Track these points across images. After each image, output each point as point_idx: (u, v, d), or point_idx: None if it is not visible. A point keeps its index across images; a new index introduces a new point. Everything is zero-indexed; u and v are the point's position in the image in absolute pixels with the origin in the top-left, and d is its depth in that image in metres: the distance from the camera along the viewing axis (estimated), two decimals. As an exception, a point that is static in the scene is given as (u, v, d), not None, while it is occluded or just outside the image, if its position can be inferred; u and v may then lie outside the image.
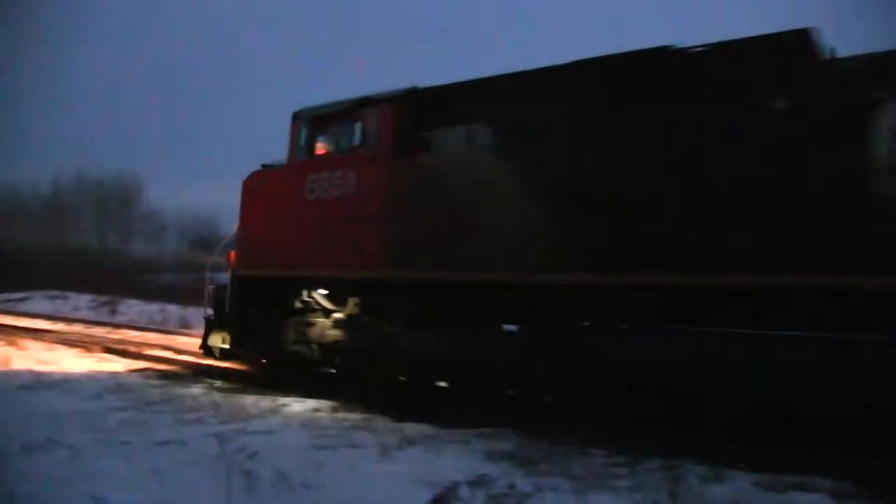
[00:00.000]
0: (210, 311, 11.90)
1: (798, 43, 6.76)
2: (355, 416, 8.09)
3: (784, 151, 6.38)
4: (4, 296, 44.16)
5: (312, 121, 10.36)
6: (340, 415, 8.26)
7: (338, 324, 10.01)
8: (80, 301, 33.53)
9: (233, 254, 11.44)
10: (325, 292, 10.27)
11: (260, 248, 10.81)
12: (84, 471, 5.58)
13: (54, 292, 41.22)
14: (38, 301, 40.45)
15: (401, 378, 9.65)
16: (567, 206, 7.57)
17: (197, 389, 9.84)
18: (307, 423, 7.73)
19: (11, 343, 14.73)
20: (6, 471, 5.20)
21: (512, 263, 7.94)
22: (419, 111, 9.25)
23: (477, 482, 3.43)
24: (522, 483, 5.04)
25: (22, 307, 33.65)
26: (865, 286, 5.87)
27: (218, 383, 10.31)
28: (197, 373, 11.30)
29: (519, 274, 7.96)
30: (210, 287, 12.08)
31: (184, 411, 8.20)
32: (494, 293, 8.32)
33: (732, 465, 5.80)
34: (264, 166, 11.35)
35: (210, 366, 11.61)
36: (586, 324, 7.81)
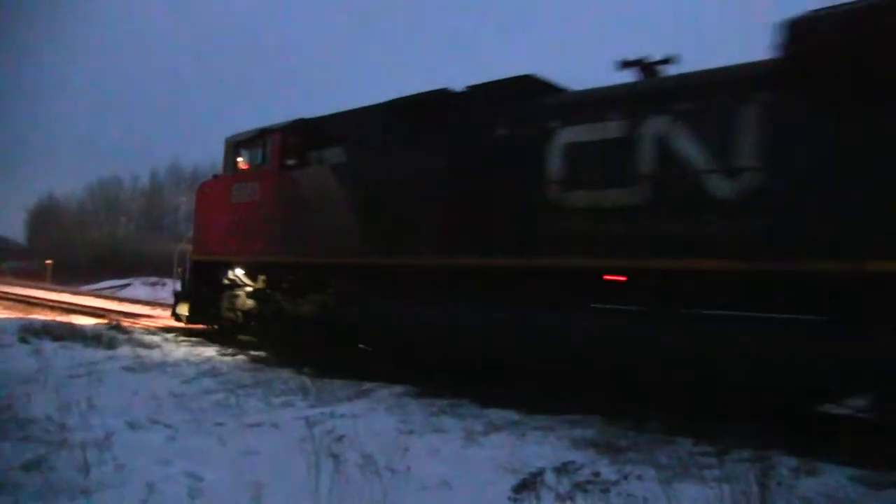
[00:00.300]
0: (178, 287, 15.61)
1: (521, 85, 9.10)
2: (440, 402, 8.13)
3: (502, 169, 8.66)
4: (108, 283, 46.47)
5: (235, 145, 13.68)
6: (426, 400, 8.31)
7: (251, 295, 13.33)
8: (178, 287, 34.99)
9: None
10: (243, 272, 13.49)
11: (205, 239, 14.47)
12: (181, 449, 5.80)
13: (153, 279, 43.14)
14: (138, 287, 42.38)
15: (288, 336, 12.34)
16: (372, 209, 10.33)
17: (286, 374, 10.07)
18: (393, 407, 7.81)
19: (117, 327, 15.45)
20: (115, 446, 5.47)
21: (340, 251, 10.84)
22: (303, 137, 12.21)
23: (562, 469, 3.38)
24: (607, 470, 4.96)
25: (124, 293, 35.30)
26: (538, 265, 8.31)
27: (306, 369, 10.54)
28: (283, 357, 11.59)
29: (344, 258, 10.85)
30: (178, 269, 15.99)
31: (274, 395, 8.40)
32: (331, 271, 11.36)
33: (827, 458, 5.56)
34: (214, 177, 14.95)
35: (295, 355, 11.90)
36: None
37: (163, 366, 10.37)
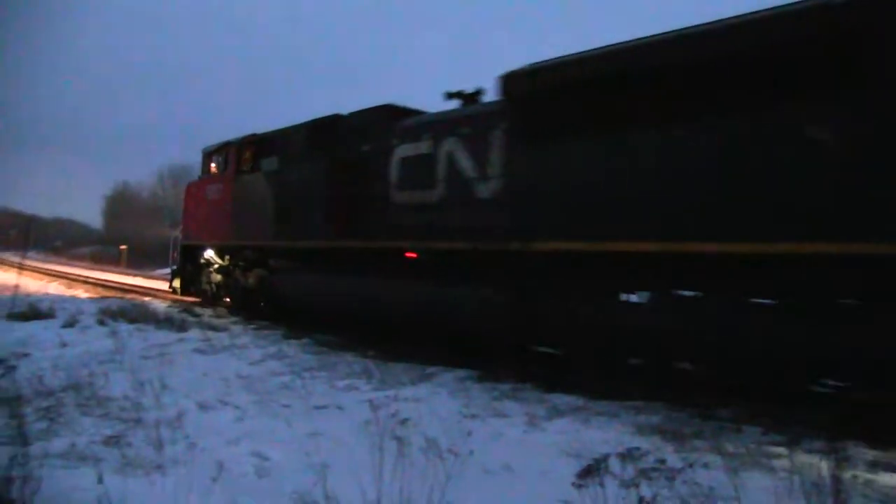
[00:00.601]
0: (174, 266, 19.37)
1: (384, 111, 11.91)
2: (503, 386, 8.13)
3: (364, 176, 11.49)
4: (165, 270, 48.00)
5: (207, 154, 17.42)
6: (488, 384, 8.33)
7: (218, 271, 17.10)
8: (174, 266, 37.94)
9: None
10: (213, 253, 17.20)
11: (189, 228, 18.37)
12: (248, 430, 5.95)
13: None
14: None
15: (243, 301, 16.07)
16: (288, 205, 13.59)
17: (350, 357, 10.21)
18: (455, 391, 7.85)
19: (187, 310, 15.90)
20: (186, 426, 5.64)
21: (268, 237, 14.31)
22: (255, 149, 15.25)
23: (627, 455, 3.34)
24: (672, 458, 4.89)
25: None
26: (371, 247, 11.41)
27: (371, 353, 10.66)
28: (350, 341, 11.76)
29: (268, 242, 14.50)
30: (172, 253, 19.79)
31: (338, 378, 8.53)
32: (267, 252, 14.95)
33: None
34: (199, 178, 18.50)
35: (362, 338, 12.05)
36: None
37: (231, 348, 10.63)
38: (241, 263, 16.11)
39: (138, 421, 5.81)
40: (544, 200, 8.65)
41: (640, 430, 6.26)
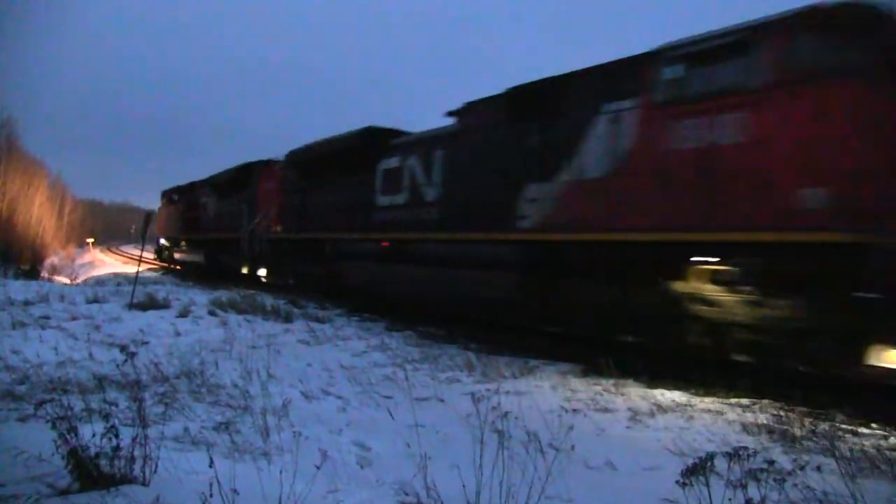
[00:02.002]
0: (157, 247, 39.63)
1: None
2: (606, 381, 7.99)
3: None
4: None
5: (164, 192, 37.44)
6: (590, 378, 8.20)
7: (179, 251, 33.60)
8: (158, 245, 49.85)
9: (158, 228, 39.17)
10: (170, 241, 35.40)
11: (162, 226, 37.24)
12: (351, 420, 6.06)
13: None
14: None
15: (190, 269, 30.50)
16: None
17: (453, 350, 10.26)
18: (557, 385, 7.76)
19: (292, 302, 16.34)
20: (291, 414, 5.79)
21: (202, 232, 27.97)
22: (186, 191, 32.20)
23: (733, 455, 3.20)
24: (782, 459, 4.67)
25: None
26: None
27: (473, 345, 10.68)
28: (452, 333, 11.82)
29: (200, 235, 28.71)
30: (160, 242, 38.98)
31: (440, 370, 8.58)
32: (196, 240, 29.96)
33: None
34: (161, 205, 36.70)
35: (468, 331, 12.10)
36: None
37: (334, 340, 10.86)
38: (185, 246, 32.19)
39: (246, 409, 6.00)
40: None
41: (747, 428, 6.03)
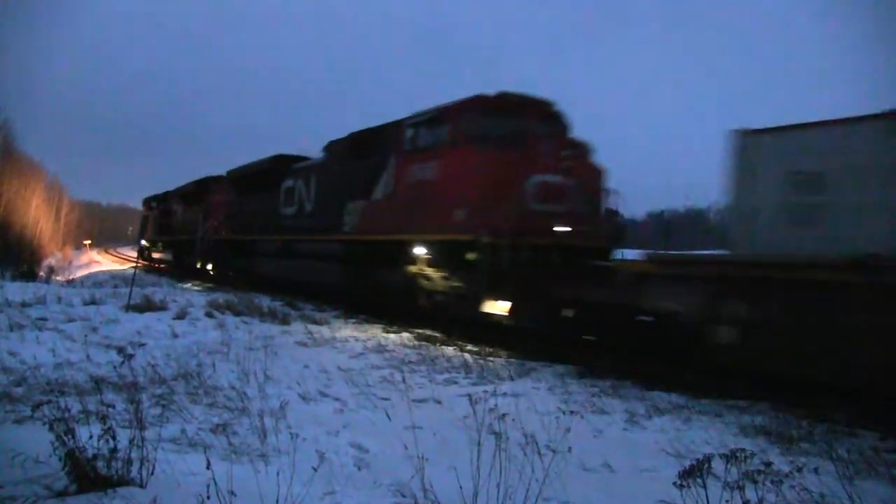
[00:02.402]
0: (139, 247, 45.48)
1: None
2: (603, 383, 8.00)
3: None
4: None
5: (146, 200, 43.41)
6: (588, 380, 8.21)
7: (159, 250, 38.81)
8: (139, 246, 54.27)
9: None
10: (150, 243, 40.98)
11: (144, 231, 43.03)
12: (349, 422, 6.06)
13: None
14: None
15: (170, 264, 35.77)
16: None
17: (450, 351, 10.27)
18: (555, 387, 7.77)
19: (290, 304, 16.35)
20: (289, 416, 5.79)
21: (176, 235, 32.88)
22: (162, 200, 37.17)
23: (731, 457, 3.21)
24: (779, 461, 4.68)
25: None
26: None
27: (469, 347, 10.69)
28: (449, 336, 11.83)
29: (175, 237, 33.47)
30: (141, 243, 44.20)
31: (438, 372, 8.59)
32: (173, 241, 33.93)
33: None
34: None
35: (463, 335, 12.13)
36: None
37: (332, 341, 10.86)
38: (162, 246, 37.13)
39: (243, 410, 6.00)
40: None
41: (745, 430, 6.05)
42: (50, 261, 49.60)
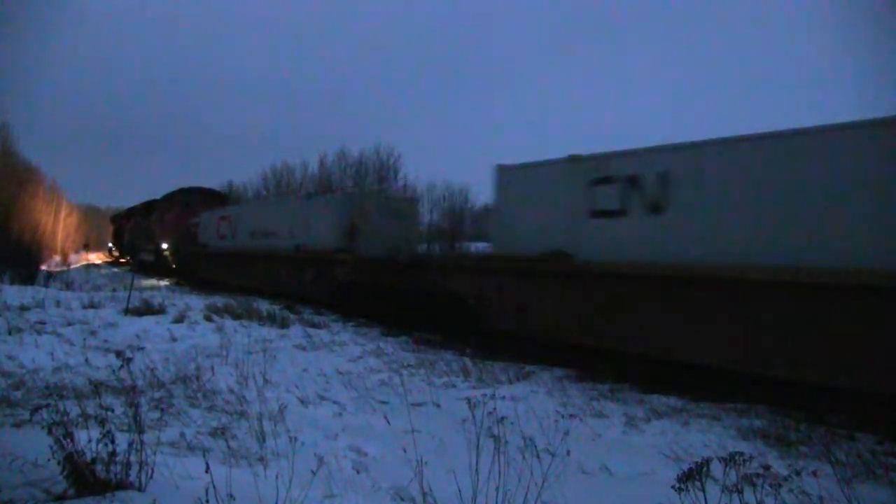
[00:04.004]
0: (108, 249, 69.75)
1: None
2: (601, 386, 8.01)
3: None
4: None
5: (114, 217, 64.99)
6: (586, 384, 8.21)
7: (121, 252, 53.93)
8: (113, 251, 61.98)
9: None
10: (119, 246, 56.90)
11: (117, 241, 58.70)
12: (347, 425, 6.06)
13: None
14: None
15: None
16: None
17: (449, 355, 10.26)
18: (554, 390, 7.77)
19: (289, 307, 16.33)
20: (288, 420, 5.79)
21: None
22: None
23: (729, 460, 3.21)
24: (778, 464, 4.69)
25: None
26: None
27: (469, 351, 10.69)
28: (449, 339, 11.82)
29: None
30: (109, 246, 67.65)
31: (436, 375, 8.58)
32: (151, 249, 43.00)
33: None
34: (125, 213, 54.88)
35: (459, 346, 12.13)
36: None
37: (331, 345, 10.85)
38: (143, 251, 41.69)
39: (242, 414, 6.00)
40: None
41: (743, 433, 6.05)
42: (49, 264, 49.59)
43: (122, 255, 49.78)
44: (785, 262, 7.27)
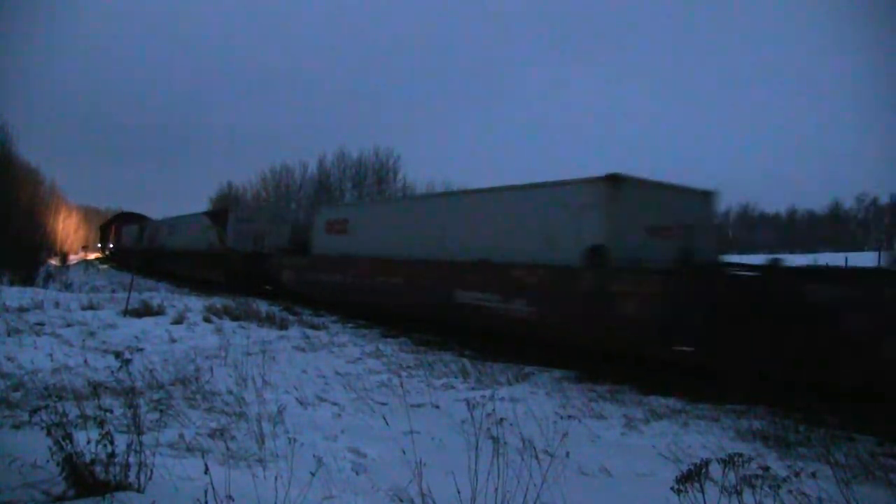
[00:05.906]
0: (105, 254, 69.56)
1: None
2: (600, 388, 8.01)
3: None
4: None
5: (102, 226, 77.31)
6: (585, 385, 8.21)
7: (109, 252, 66.09)
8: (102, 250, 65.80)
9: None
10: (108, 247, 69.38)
11: (105, 245, 71.54)
12: (346, 426, 6.05)
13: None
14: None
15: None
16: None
17: (448, 356, 10.26)
18: (553, 392, 7.77)
19: (288, 309, 16.33)
20: (287, 421, 5.79)
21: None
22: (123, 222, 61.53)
23: (728, 461, 3.21)
24: (777, 465, 4.69)
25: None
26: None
27: (467, 352, 10.69)
28: (448, 341, 11.83)
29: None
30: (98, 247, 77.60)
31: (435, 376, 8.58)
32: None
33: None
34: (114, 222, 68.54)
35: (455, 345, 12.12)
36: None
37: (330, 346, 10.85)
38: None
39: (241, 415, 6.00)
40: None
41: (742, 435, 6.06)
42: (48, 265, 49.57)
43: (103, 251, 68.02)
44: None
